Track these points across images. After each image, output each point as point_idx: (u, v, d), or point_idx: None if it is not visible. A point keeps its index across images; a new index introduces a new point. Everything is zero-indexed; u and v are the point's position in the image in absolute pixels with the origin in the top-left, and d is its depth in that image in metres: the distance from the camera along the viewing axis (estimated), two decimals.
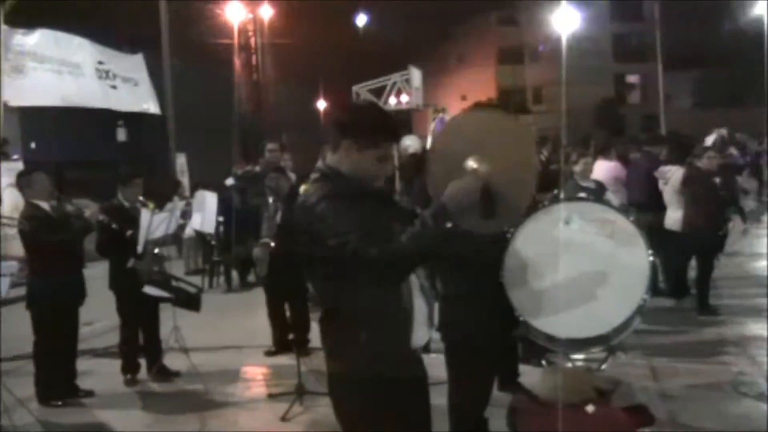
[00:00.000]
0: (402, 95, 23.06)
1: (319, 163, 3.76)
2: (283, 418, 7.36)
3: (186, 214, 10.45)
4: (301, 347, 8.59)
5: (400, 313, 3.60)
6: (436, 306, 3.89)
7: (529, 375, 6.97)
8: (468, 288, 5.63)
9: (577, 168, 9.68)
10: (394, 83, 21.60)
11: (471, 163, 3.61)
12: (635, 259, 5.60)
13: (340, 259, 3.46)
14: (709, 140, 20.97)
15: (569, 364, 6.02)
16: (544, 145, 13.28)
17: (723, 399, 7.27)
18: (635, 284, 5.55)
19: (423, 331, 3.72)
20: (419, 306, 3.69)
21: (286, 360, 9.03)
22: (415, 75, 22.14)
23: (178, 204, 10.76)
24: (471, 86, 55.12)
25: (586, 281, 5.53)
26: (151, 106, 17.34)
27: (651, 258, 5.65)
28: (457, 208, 3.51)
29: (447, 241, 3.52)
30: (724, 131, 22.44)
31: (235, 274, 15.28)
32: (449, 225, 3.50)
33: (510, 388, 6.84)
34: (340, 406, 3.75)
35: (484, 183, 3.58)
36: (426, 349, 4.01)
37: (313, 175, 3.71)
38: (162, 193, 14.63)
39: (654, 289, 10.60)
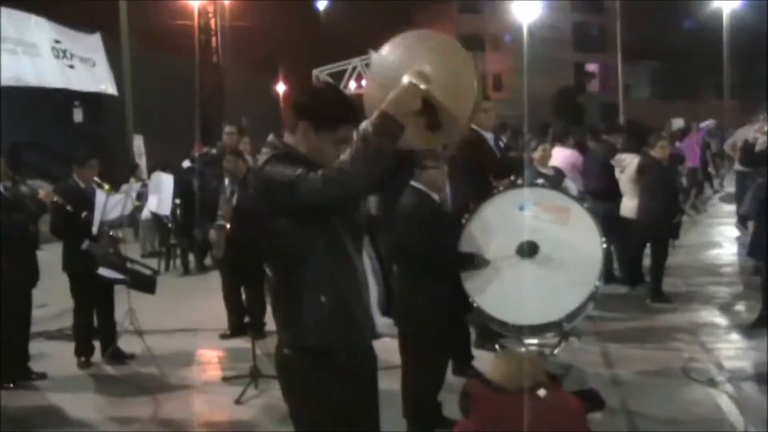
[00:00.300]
0: (362, 80, 23.04)
1: (270, 137, 3.71)
2: (238, 401, 7.34)
3: (142, 196, 10.38)
4: (256, 330, 8.58)
5: (355, 283, 3.60)
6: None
7: (483, 360, 7.03)
8: (422, 273, 5.67)
9: (536, 155, 9.75)
10: (354, 68, 21.58)
11: (409, 77, 3.52)
12: (589, 246, 5.68)
13: (293, 207, 3.45)
14: (703, 124, 21.46)
15: (522, 349, 6.08)
16: (504, 132, 13.32)
17: (673, 385, 7.34)
18: (588, 271, 5.64)
19: (376, 312, 3.73)
20: (373, 286, 3.70)
21: (242, 343, 8.99)
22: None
23: (133, 186, 10.66)
24: None
25: (539, 267, 5.60)
26: (109, 87, 17.16)
27: (604, 245, 5.74)
28: (399, 113, 3.36)
29: (395, 144, 3.39)
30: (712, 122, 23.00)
31: (192, 257, 15.19)
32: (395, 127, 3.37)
33: (464, 373, 6.92)
34: (288, 378, 3.72)
35: (425, 93, 3.49)
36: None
37: (264, 150, 3.68)
38: (118, 174, 14.48)
39: (608, 276, 10.83)
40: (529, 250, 5.60)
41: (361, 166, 3.33)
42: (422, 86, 3.46)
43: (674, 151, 17.71)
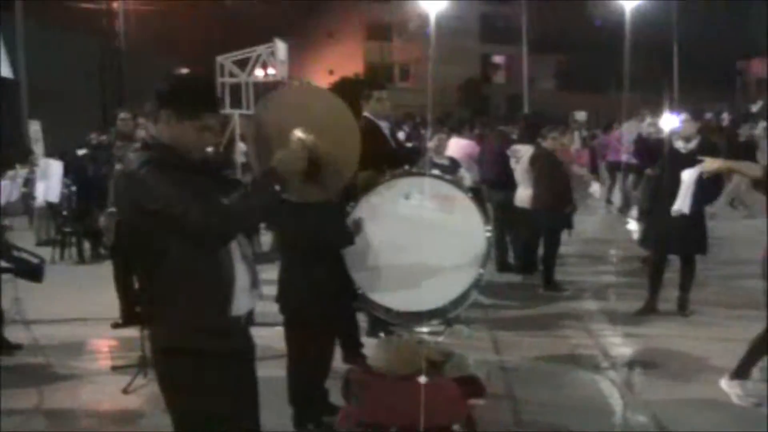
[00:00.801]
0: (268, 68, 22.88)
1: (142, 133, 3.73)
2: (125, 391, 7.24)
3: (30, 183, 10.12)
4: (146, 319, 8.44)
5: (219, 280, 3.60)
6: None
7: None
8: (307, 260, 5.67)
9: (431, 144, 9.83)
10: (259, 55, 21.39)
11: (298, 134, 3.67)
12: (472, 234, 5.76)
13: (161, 224, 3.44)
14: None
15: (405, 336, 6.13)
16: (407, 122, 13.32)
17: (560, 371, 7.51)
18: (472, 259, 5.72)
19: (245, 300, 3.72)
20: (241, 274, 3.69)
21: (134, 332, 8.84)
22: (281, 48, 21.97)
23: (20, 172, 10.39)
24: (339, 61, 55.25)
25: (424, 255, 5.66)
26: (3, 70, 16.64)
27: (488, 234, 5.83)
28: (286, 173, 3.55)
29: (275, 203, 3.56)
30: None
31: (87, 245, 14.86)
32: (277, 188, 3.54)
33: (354, 361, 6.94)
34: (162, 377, 3.72)
35: (311, 152, 3.65)
36: (250, 320, 3.99)
37: (135, 146, 3.68)
38: (8, 160, 14.09)
39: (503, 265, 11.01)
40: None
41: (245, 214, 3.57)
42: (308, 144, 3.63)
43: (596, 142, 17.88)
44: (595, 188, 12.69)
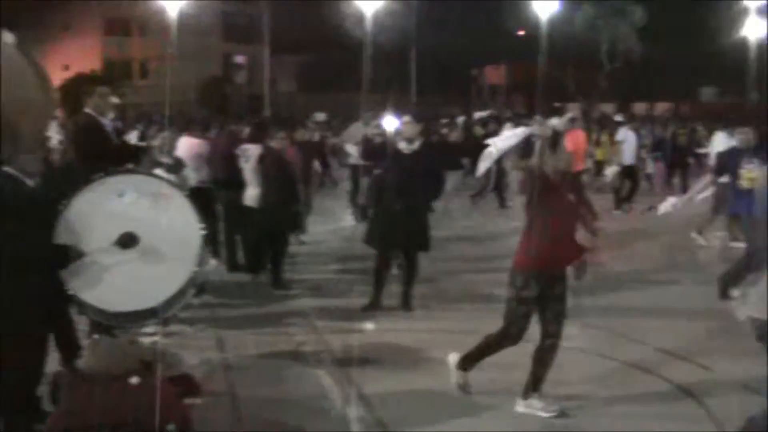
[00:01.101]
0: None
1: None
2: None
3: None
4: None
5: None
6: None
7: None
8: (11, 262, 5.44)
9: (156, 143, 9.73)
10: None
11: None
12: (187, 232, 5.75)
13: None
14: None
15: (118, 337, 6.02)
16: (141, 120, 13.06)
17: (282, 367, 7.65)
18: (186, 258, 5.71)
19: None
20: None
21: None
22: (8, 39, 20.87)
23: None
24: (75, 55, 53.06)
25: (136, 254, 5.59)
26: None
27: (203, 232, 5.85)
28: None
29: None
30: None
31: None
32: None
33: (72, 364, 6.73)
34: None
35: None
36: None
37: None
38: None
39: (233, 264, 11.04)
40: (127, 242, 5.56)
41: None
42: None
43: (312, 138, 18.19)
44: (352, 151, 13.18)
